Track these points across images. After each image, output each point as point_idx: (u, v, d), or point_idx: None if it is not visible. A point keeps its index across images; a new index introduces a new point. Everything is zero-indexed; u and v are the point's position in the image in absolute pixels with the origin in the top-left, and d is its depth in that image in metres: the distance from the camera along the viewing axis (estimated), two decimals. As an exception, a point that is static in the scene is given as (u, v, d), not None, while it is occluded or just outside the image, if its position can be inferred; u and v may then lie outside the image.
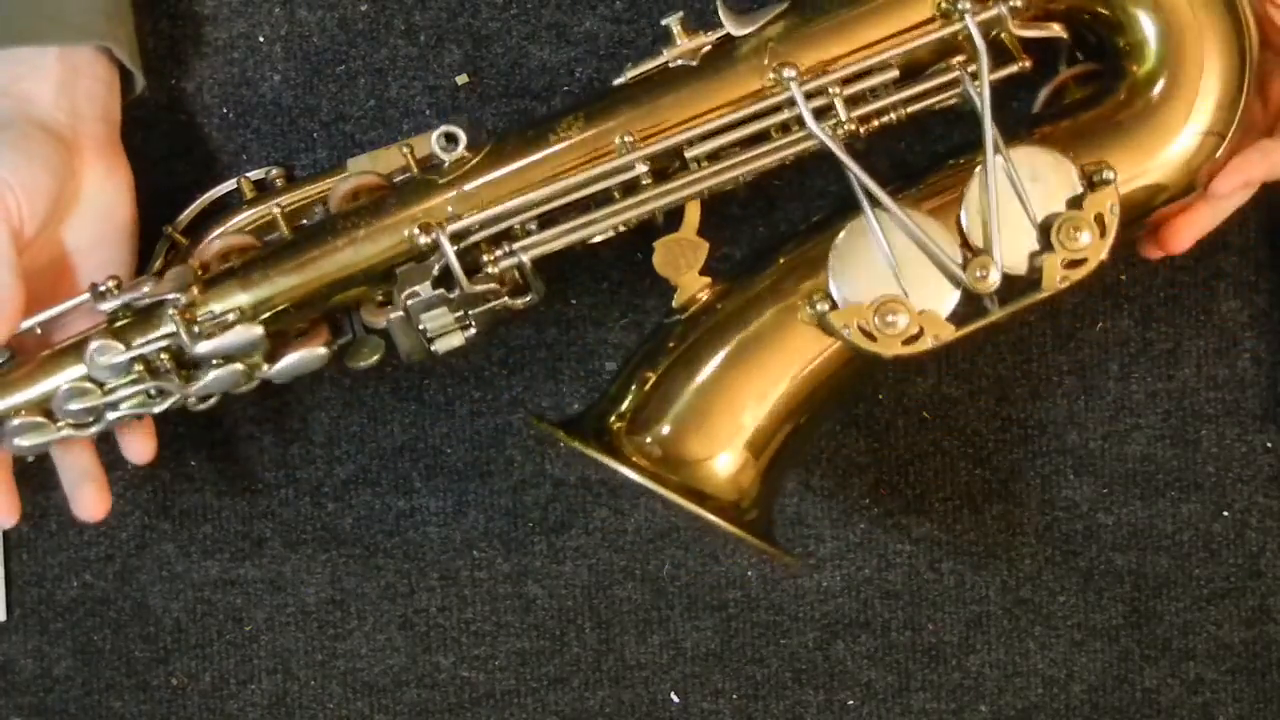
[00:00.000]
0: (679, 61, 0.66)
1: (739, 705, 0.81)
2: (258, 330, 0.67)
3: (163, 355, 0.67)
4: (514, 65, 0.76)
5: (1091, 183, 0.64)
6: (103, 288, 0.67)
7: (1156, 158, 0.65)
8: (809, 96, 0.65)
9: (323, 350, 0.69)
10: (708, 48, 0.66)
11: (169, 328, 0.66)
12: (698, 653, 0.80)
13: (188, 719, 0.81)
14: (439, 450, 0.79)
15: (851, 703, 0.81)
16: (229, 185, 0.74)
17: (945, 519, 0.79)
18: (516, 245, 0.67)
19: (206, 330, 0.66)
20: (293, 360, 0.68)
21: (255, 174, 0.74)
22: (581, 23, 0.76)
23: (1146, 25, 0.66)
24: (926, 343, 0.64)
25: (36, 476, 0.79)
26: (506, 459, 0.79)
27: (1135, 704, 0.80)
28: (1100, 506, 0.79)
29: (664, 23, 0.66)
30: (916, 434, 0.79)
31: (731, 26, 0.66)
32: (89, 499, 0.71)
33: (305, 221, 0.71)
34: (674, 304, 0.68)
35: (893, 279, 0.64)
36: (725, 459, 0.66)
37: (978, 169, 0.64)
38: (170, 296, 0.66)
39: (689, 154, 0.66)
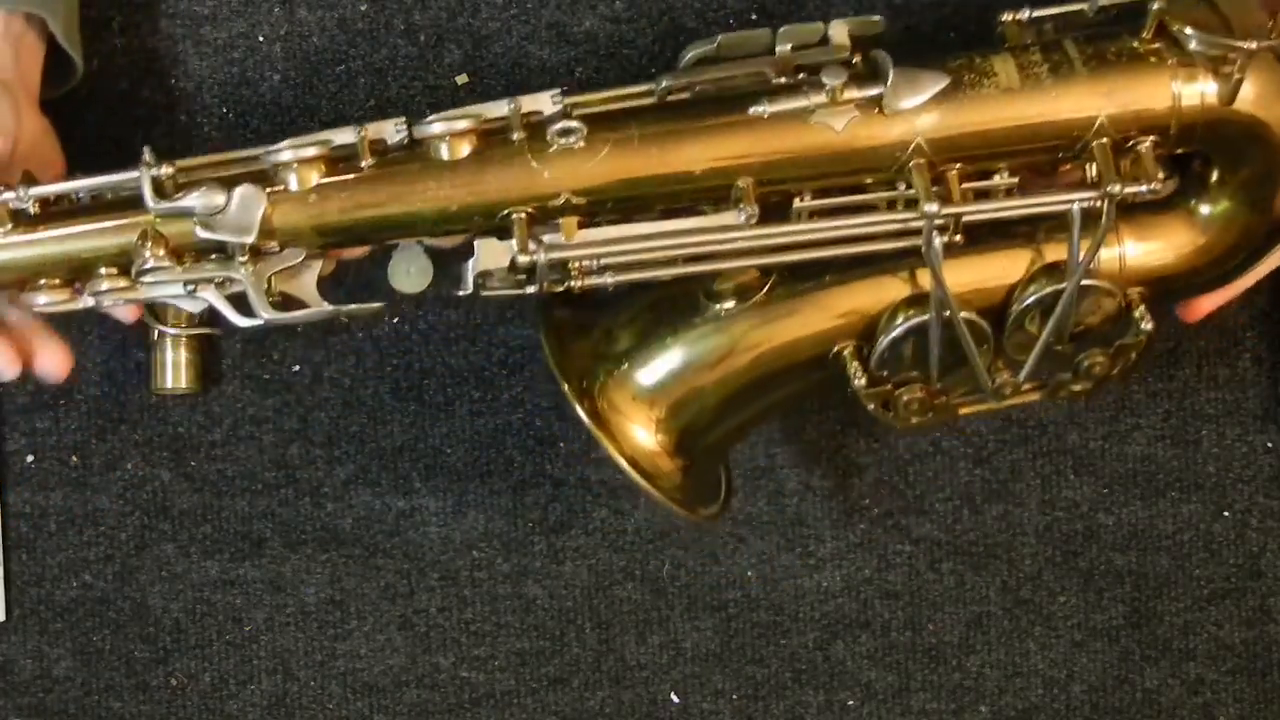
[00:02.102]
0: (820, 118, 0.63)
1: (739, 705, 0.81)
2: (328, 308, 0.66)
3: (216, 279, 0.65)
4: (514, 65, 0.76)
5: (1131, 323, 0.66)
6: (159, 172, 0.63)
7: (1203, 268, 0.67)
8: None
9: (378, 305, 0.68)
10: (855, 114, 0.62)
11: (238, 281, 0.64)
12: (698, 653, 0.80)
13: (187, 719, 0.81)
14: (439, 450, 0.79)
15: (851, 703, 0.81)
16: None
17: (945, 519, 0.79)
18: (606, 267, 0.65)
19: (275, 289, 0.65)
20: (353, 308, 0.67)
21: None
22: (581, 23, 0.76)
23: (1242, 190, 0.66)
24: (934, 424, 0.69)
25: (35, 476, 0.79)
26: (506, 459, 0.79)
27: (1136, 704, 0.80)
28: (1100, 506, 0.79)
29: (824, 80, 0.62)
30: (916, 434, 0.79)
31: (890, 96, 0.62)
32: (51, 354, 0.69)
33: (387, 140, 0.65)
34: (714, 285, 0.68)
35: (930, 371, 0.67)
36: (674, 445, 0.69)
37: (1050, 290, 0.65)
38: (236, 241, 0.63)
39: (796, 205, 0.64)
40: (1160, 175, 0.63)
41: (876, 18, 0.65)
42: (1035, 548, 0.79)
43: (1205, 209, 0.66)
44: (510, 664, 0.81)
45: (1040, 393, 0.68)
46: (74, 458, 0.79)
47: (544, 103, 0.64)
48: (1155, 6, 0.61)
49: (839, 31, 0.65)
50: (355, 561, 0.80)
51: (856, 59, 0.64)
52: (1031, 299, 0.65)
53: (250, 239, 0.63)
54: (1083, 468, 0.79)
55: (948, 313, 0.64)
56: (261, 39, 0.76)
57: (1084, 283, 0.65)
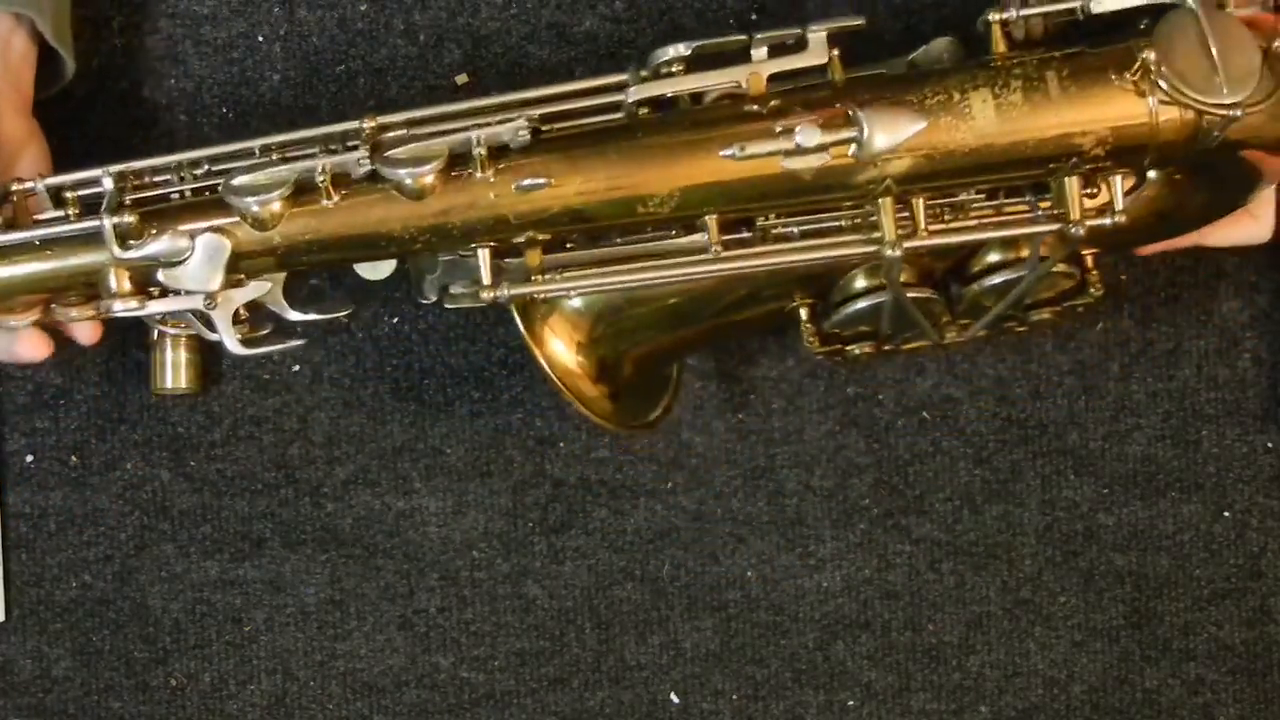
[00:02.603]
0: (792, 163, 0.61)
1: (739, 705, 0.81)
2: (300, 343, 0.68)
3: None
4: (514, 65, 0.76)
5: (1083, 284, 0.68)
6: (121, 221, 0.63)
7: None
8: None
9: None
10: (826, 158, 0.61)
11: (212, 332, 0.66)
12: (698, 653, 0.80)
13: (187, 719, 0.81)
14: (439, 450, 0.79)
15: (851, 703, 0.81)
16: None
17: (945, 519, 0.79)
18: (569, 284, 0.65)
19: (245, 326, 0.66)
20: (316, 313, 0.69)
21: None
22: (581, 23, 0.76)
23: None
24: (869, 356, 0.72)
25: (35, 476, 0.79)
26: (506, 459, 0.79)
27: (1136, 705, 0.80)
28: (1101, 507, 0.79)
29: (798, 140, 0.60)
30: (916, 434, 0.79)
31: (864, 145, 0.60)
32: (30, 339, 0.69)
33: (350, 175, 0.64)
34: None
35: (881, 333, 0.70)
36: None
37: (1007, 279, 0.66)
38: (201, 291, 0.64)
39: (760, 223, 0.65)
40: (1123, 209, 0.62)
41: (858, 20, 0.64)
42: (1035, 548, 0.79)
43: (1154, 172, 0.65)
44: (510, 664, 0.81)
45: (983, 332, 0.70)
46: (74, 458, 0.79)
47: (510, 134, 0.62)
48: (1145, 55, 0.59)
49: (817, 36, 0.63)
50: (355, 561, 0.80)
51: (835, 70, 0.63)
52: (989, 284, 0.67)
53: (215, 287, 0.64)
54: (1083, 468, 0.79)
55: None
56: (261, 39, 0.76)
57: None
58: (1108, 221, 0.62)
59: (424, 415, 0.79)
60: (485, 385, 0.79)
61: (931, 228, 0.63)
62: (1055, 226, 0.62)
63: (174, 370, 0.75)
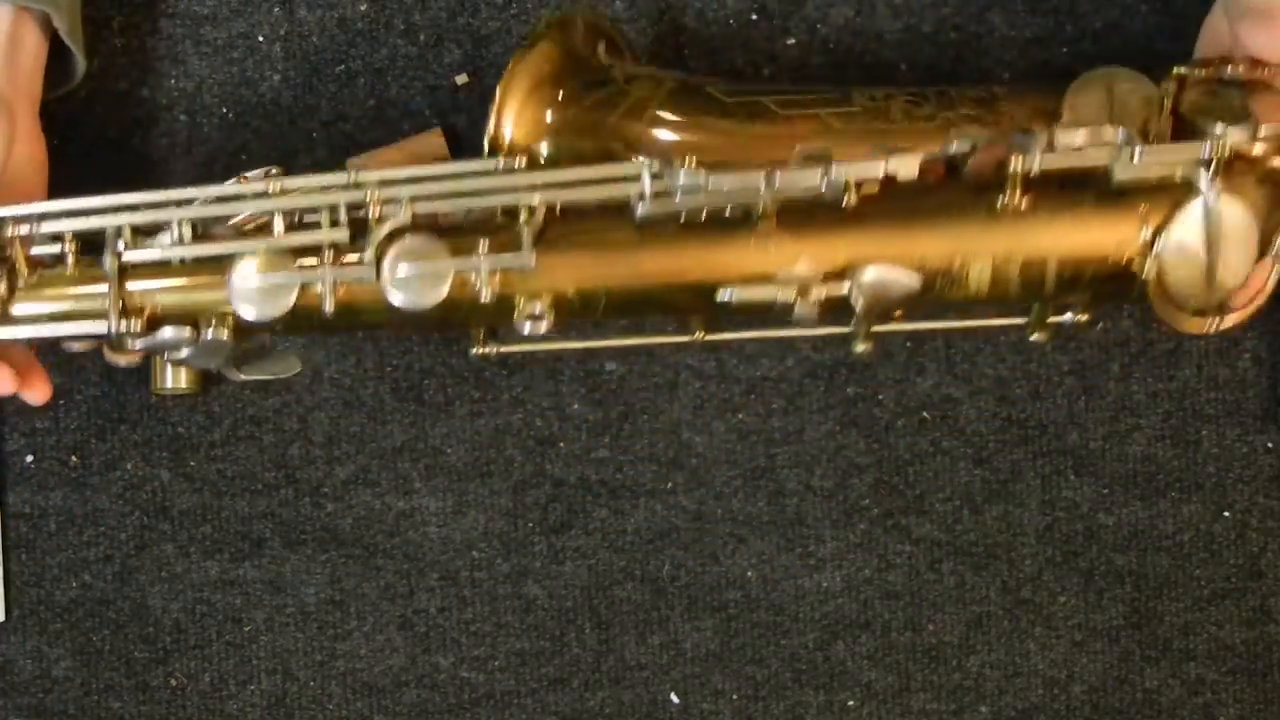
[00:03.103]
0: (785, 315, 0.63)
1: (739, 705, 0.81)
2: (297, 370, 0.73)
3: None
4: (514, 65, 0.76)
5: None
6: (128, 326, 0.63)
7: None
8: None
9: None
10: (820, 309, 0.63)
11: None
12: (698, 653, 0.80)
13: (187, 719, 0.81)
14: (439, 450, 0.79)
15: (851, 703, 0.81)
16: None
17: (945, 519, 0.79)
18: (557, 346, 0.73)
19: (242, 354, 0.68)
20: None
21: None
22: (581, 23, 0.76)
23: None
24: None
25: (35, 476, 0.79)
26: (506, 459, 0.79)
27: (1136, 705, 0.80)
28: (1101, 507, 0.79)
29: (796, 305, 0.62)
30: (916, 434, 0.79)
31: (857, 299, 0.62)
32: (38, 385, 0.70)
33: (353, 283, 0.64)
34: None
35: None
36: None
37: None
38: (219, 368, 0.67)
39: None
40: (1087, 313, 0.65)
41: (878, 172, 0.62)
42: (1035, 548, 0.79)
43: None
44: (510, 664, 0.81)
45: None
46: (74, 458, 0.79)
47: (516, 261, 0.62)
48: (1144, 263, 0.60)
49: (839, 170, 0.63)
50: (355, 561, 0.80)
51: (850, 197, 0.62)
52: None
53: (214, 368, 0.67)
54: (1083, 468, 0.79)
55: None
56: (261, 39, 0.76)
57: None
58: (1068, 319, 0.65)
59: (424, 415, 0.79)
60: (485, 385, 0.79)
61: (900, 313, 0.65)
62: (1021, 320, 0.66)
63: (174, 370, 0.75)
